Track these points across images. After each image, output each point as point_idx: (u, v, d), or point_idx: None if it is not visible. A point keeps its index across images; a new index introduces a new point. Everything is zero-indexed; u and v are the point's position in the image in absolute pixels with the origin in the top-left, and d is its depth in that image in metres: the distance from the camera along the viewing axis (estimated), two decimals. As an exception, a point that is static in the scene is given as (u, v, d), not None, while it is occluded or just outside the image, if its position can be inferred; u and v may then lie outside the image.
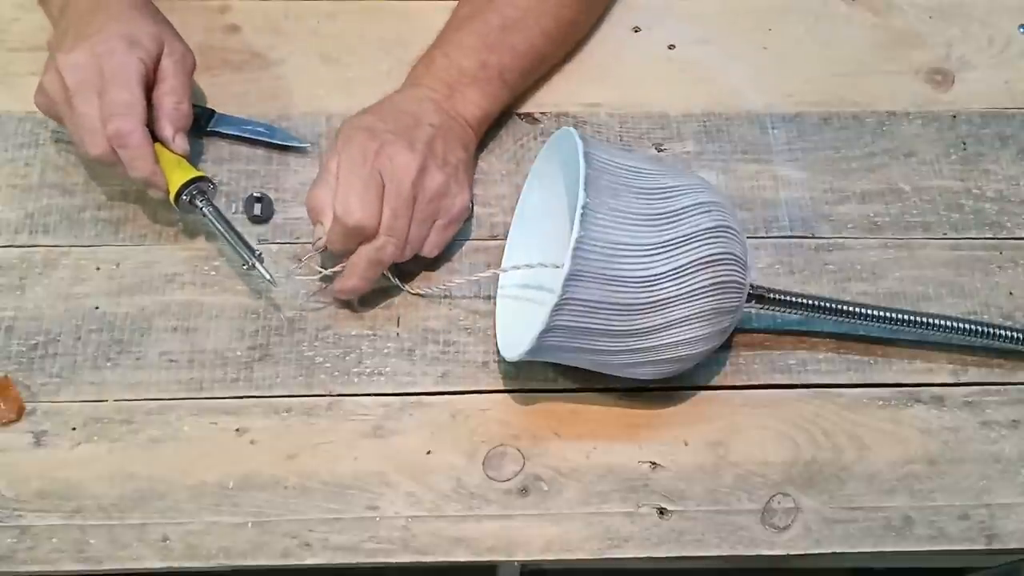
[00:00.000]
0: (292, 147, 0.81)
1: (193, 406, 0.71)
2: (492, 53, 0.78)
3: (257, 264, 0.72)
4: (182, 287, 0.75)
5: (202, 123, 0.80)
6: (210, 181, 0.74)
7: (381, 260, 0.71)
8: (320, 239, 0.72)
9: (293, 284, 0.75)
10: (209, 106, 0.82)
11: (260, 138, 0.81)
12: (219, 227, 0.73)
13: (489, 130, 0.81)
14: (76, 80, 0.71)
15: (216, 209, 0.73)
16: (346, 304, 0.75)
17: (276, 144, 0.80)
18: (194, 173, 0.74)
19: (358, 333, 0.74)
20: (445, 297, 0.75)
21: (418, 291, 0.75)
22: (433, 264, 0.76)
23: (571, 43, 0.85)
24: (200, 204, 0.73)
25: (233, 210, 0.78)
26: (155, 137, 0.73)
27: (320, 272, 0.74)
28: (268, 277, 0.72)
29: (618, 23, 0.89)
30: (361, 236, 0.70)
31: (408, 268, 0.76)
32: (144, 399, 0.71)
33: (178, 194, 0.73)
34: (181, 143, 0.74)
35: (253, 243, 0.74)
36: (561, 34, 0.82)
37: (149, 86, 0.73)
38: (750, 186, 0.81)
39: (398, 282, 0.75)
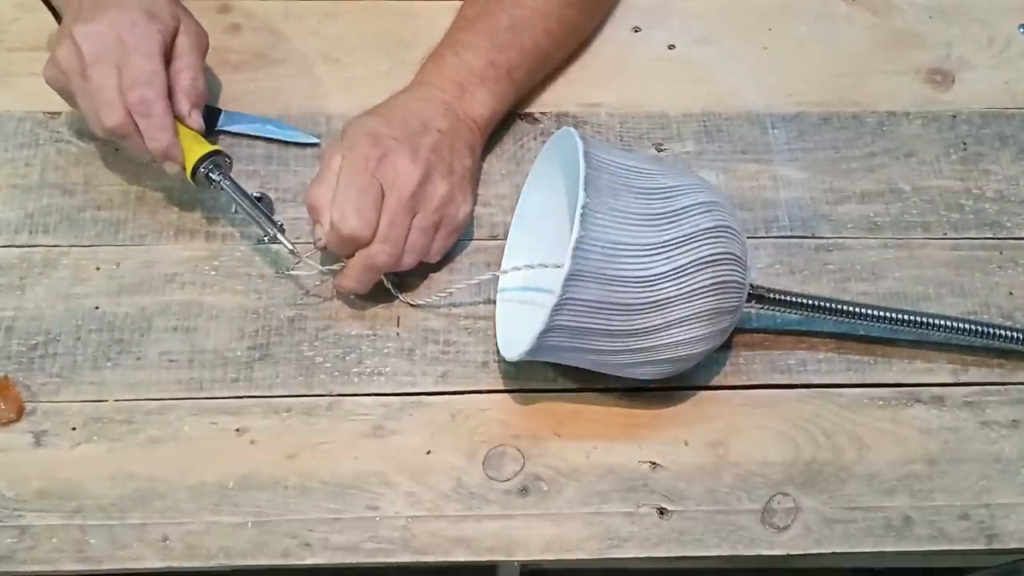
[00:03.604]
0: (299, 143, 0.81)
1: (193, 406, 0.71)
2: (501, 52, 0.78)
3: (279, 235, 0.72)
4: (182, 287, 0.75)
5: (209, 122, 0.80)
6: (226, 155, 0.74)
7: (375, 267, 0.71)
8: (320, 239, 0.72)
9: (293, 284, 0.75)
10: (215, 104, 0.81)
11: (270, 135, 0.81)
12: (238, 200, 0.73)
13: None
14: (95, 50, 0.70)
15: (234, 182, 0.74)
16: (346, 303, 0.75)
17: (285, 140, 0.81)
18: (210, 147, 0.74)
19: (358, 333, 0.74)
20: (445, 296, 0.75)
21: (416, 302, 0.75)
22: (434, 265, 0.76)
23: (574, 45, 0.85)
24: (217, 178, 0.73)
25: (234, 210, 0.77)
26: None
27: (318, 268, 0.74)
28: (290, 248, 0.72)
29: (618, 23, 0.89)
30: (356, 244, 0.71)
31: (409, 269, 0.76)
32: (144, 399, 0.71)
33: (195, 168, 0.73)
34: (197, 118, 0.74)
35: (253, 240, 0.75)
36: (564, 35, 0.82)
37: (166, 62, 0.73)
38: (750, 186, 0.81)
39: (396, 292, 0.75)
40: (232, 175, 0.74)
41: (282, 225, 0.72)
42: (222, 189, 0.73)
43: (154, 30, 0.72)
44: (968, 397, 0.74)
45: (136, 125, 0.71)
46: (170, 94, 0.73)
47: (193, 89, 0.74)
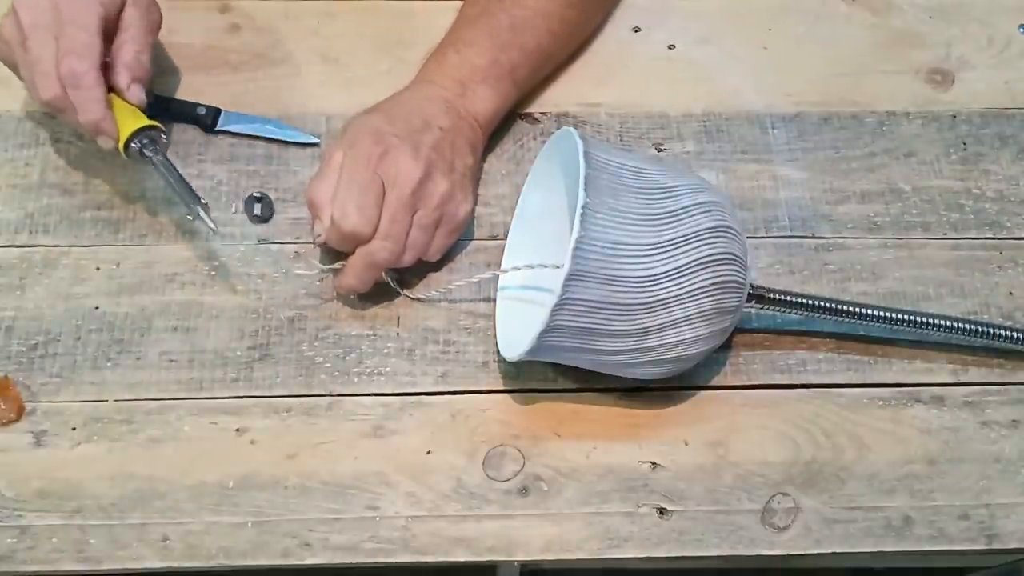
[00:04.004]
0: (299, 143, 0.81)
1: (193, 406, 0.71)
2: (503, 52, 0.78)
3: (201, 212, 0.71)
4: (182, 287, 0.75)
5: (209, 123, 0.80)
6: (162, 131, 0.73)
7: (376, 263, 0.71)
8: (319, 236, 0.72)
9: (293, 284, 0.75)
10: (214, 104, 0.81)
11: (270, 135, 0.81)
12: (168, 176, 0.72)
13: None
14: (32, 21, 0.70)
15: (166, 159, 0.73)
16: (346, 303, 0.75)
17: (285, 140, 0.81)
18: (146, 122, 0.73)
19: (358, 333, 0.74)
20: (446, 293, 0.75)
21: (418, 296, 0.75)
22: (434, 264, 0.76)
23: (575, 44, 0.85)
24: (149, 153, 0.72)
25: (233, 210, 0.78)
26: (111, 88, 0.72)
27: (319, 268, 0.74)
28: (211, 227, 0.71)
29: (618, 23, 0.89)
30: (357, 240, 0.71)
31: (409, 268, 0.76)
32: (144, 399, 0.71)
33: (128, 142, 0.72)
34: (137, 93, 0.73)
35: (253, 241, 0.75)
36: (566, 34, 0.82)
37: (110, 34, 0.72)
38: (750, 186, 0.81)
39: (397, 287, 0.75)
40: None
41: (207, 204, 0.71)
42: (153, 165, 0.72)
43: (94, 1, 0.71)
44: (968, 397, 0.74)
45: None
46: (112, 67, 0.72)
47: (136, 63, 0.73)
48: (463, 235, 0.77)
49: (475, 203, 0.78)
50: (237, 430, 0.70)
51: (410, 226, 0.72)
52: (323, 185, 0.71)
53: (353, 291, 0.74)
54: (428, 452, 0.70)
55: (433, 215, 0.73)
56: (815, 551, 0.69)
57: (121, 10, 0.73)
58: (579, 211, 0.62)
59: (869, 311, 0.72)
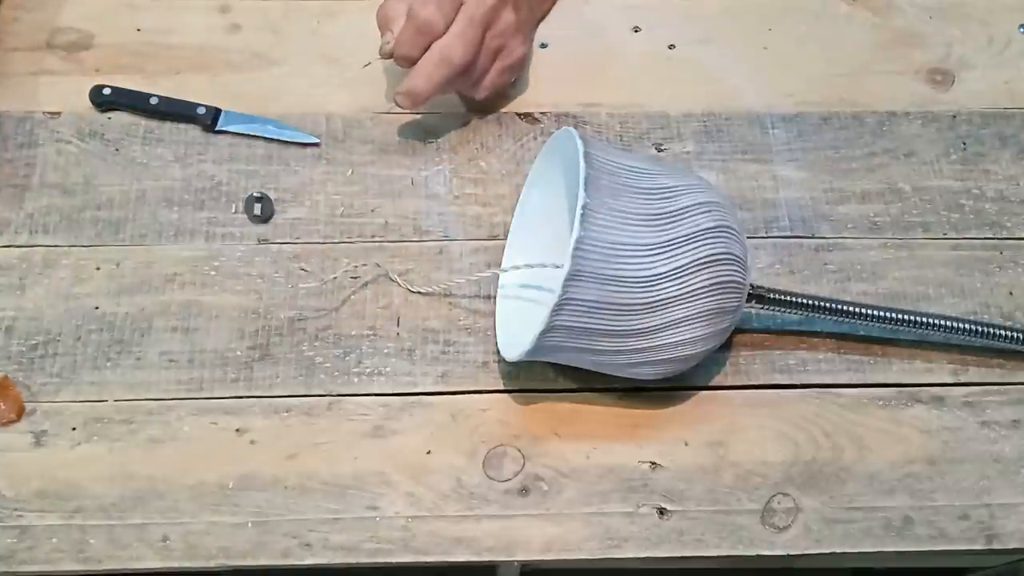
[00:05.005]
0: (299, 143, 0.81)
1: (193, 406, 0.71)
2: None
3: None
4: (182, 287, 0.75)
5: (209, 122, 0.80)
6: None
7: (450, 59, 0.74)
8: (388, 43, 0.75)
9: (293, 284, 0.75)
10: (214, 104, 0.81)
11: (270, 135, 0.81)
12: None
13: (489, 130, 0.82)
14: None
15: None
16: (346, 304, 0.75)
17: (285, 140, 0.81)
18: None
19: (358, 333, 0.74)
20: (445, 297, 0.75)
21: (418, 290, 0.75)
22: (433, 264, 0.76)
23: None
24: None
25: (233, 210, 0.78)
26: None
27: (318, 279, 0.74)
28: None
29: (618, 23, 0.89)
30: (429, 35, 0.74)
31: (408, 267, 0.76)
32: (144, 399, 0.71)
33: None
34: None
35: (253, 241, 0.75)
36: None
37: None
38: (750, 186, 0.81)
39: (397, 279, 0.75)
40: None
41: None
42: None
43: None
44: (968, 397, 0.74)
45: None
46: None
47: None
48: (462, 234, 0.77)
49: (529, 52, 0.81)
50: (237, 430, 0.70)
51: (481, 41, 0.75)
52: (394, 1, 0.75)
53: (416, 97, 0.76)
54: (428, 452, 0.70)
55: (497, 41, 0.76)
56: (815, 551, 0.69)
57: None
58: (579, 211, 0.62)
59: (869, 311, 0.72)
